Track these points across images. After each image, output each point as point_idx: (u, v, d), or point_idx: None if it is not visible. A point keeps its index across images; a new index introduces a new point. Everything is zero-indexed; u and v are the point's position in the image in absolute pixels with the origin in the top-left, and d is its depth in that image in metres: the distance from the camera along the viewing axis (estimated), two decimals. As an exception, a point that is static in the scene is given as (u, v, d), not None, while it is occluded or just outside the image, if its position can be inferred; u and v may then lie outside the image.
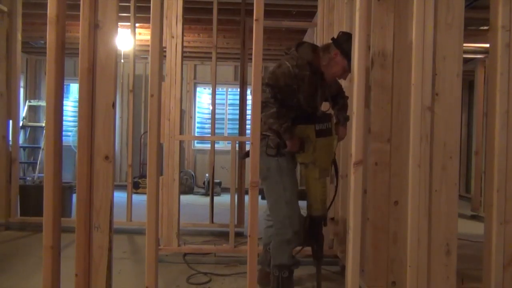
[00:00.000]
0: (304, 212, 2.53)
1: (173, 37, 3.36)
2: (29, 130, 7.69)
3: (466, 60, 6.01)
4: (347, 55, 2.22)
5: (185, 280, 2.84)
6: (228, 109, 8.34)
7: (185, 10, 3.50)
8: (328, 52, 2.40)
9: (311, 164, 2.41)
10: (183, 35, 3.39)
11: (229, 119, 8.34)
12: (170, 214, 3.31)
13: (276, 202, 2.44)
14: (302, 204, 2.50)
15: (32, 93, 7.90)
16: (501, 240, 2.10)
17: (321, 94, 2.48)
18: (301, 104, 2.40)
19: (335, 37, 2.44)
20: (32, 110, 7.74)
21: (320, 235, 2.48)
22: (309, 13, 4.85)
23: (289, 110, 2.36)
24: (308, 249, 2.78)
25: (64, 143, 1.88)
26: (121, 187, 4.56)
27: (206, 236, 4.07)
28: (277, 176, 2.41)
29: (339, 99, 2.64)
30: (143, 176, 7.11)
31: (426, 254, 1.95)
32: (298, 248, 2.60)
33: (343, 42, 2.32)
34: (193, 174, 7.78)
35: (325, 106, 2.64)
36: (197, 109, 8.34)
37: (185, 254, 3.29)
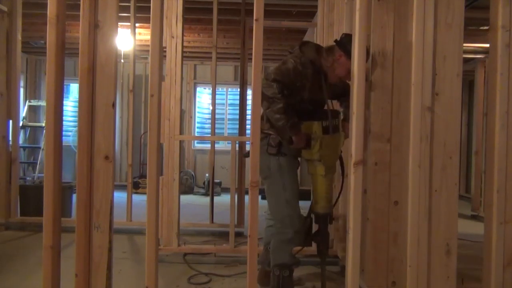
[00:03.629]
0: (304, 212, 2.52)
1: (173, 37, 3.36)
2: (29, 130, 7.69)
3: (466, 60, 6.01)
4: (351, 56, 2.23)
5: (186, 280, 2.84)
6: (228, 109, 8.34)
7: (185, 10, 3.50)
8: (332, 54, 2.42)
9: (317, 161, 2.40)
10: (183, 35, 3.39)
11: (229, 119, 8.34)
12: (170, 214, 3.31)
13: (276, 201, 2.44)
14: (304, 204, 2.50)
15: (32, 93, 7.90)
16: (501, 240, 2.10)
17: (327, 93, 2.48)
18: (305, 102, 2.41)
19: (338, 39, 2.45)
20: (32, 110, 7.74)
21: (325, 232, 2.47)
22: (309, 13, 4.85)
23: (293, 106, 2.36)
24: (308, 249, 2.78)
25: (64, 143, 1.88)
26: (121, 187, 4.56)
27: (206, 236, 4.07)
28: (277, 175, 2.41)
29: (347, 98, 2.62)
30: (143, 176, 7.11)
31: (426, 254, 1.95)
32: (298, 248, 2.59)
33: (347, 43, 2.31)
34: (193, 174, 7.78)
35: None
36: (197, 109, 8.33)
37: (185, 254, 3.29)
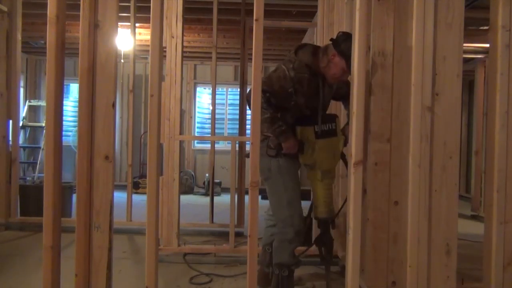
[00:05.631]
0: (304, 212, 2.52)
1: (173, 37, 3.36)
2: (29, 130, 7.69)
3: (466, 60, 6.01)
4: (345, 55, 2.21)
5: (187, 280, 2.84)
6: (228, 109, 8.34)
7: (185, 10, 3.50)
8: (327, 53, 2.38)
9: (312, 166, 2.41)
10: (183, 35, 3.39)
11: (229, 119, 8.34)
12: (170, 214, 3.31)
13: (277, 202, 2.44)
14: (304, 204, 2.50)
15: (32, 93, 7.90)
16: (501, 240, 2.10)
17: (324, 96, 2.46)
18: (300, 106, 2.39)
19: (335, 37, 2.44)
20: (32, 110, 7.74)
21: (327, 237, 2.46)
22: (309, 13, 4.85)
23: (286, 113, 2.37)
24: (308, 249, 2.77)
25: (64, 143, 1.88)
26: (121, 187, 4.56)
27: (206, 236, 4.07)
28: (278, 176, 2.41)
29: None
30: (143, 176, 7.11)
31: (426, 254, 1.95)
32: (303, 248, 2.59)
33: (341, 42, 2.30)
34: (193, 174, 7.78)
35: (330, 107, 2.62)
36: (197, 109, 8.33)
37: (185, 254, 3.29)
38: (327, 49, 2.40)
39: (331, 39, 2.41)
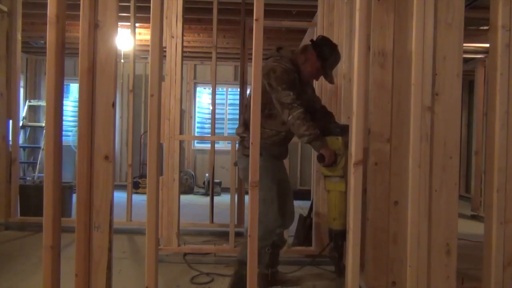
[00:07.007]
0: (303, 212, 2.52)
1: (173, 37, 3.36)
2: (29, 130, 7.69)
3: (466, 60, 6.01)
4: (321, 57, 2.41)
5: (187, 280, 2.83)
6: (228, 109, 8.34)
7: (185, 10, 3.50)
8: (306, 52, 2.51)
9: (339, 177, 2.40)
10: (183, 35, 3.39)
11: (229, 119, 8.34)
12: (170, 214, 3.31)
13: None
14: (305, 204, 2.50)
15: (32, 93, 7.90)
16: (501, 240, 2.10)
17: (309, 94, 2.59)
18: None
19: (314, 39, 2.57)
20: (32, 110, 7.74)
21: (342, 249, 2.46)
22: (309, 13, 4.85)
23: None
24: (308, 249, 2.77)
25: (64, 143, 1.88)
26: (121, 187, 4.56)
27: (206, 236, 4.07)
28: None
29: (326, 115, 2.70)
30: (143, 176, 7.11)
31: (426, 254, 1.95)
32: (302, 248, 2.58)
33: (321, 45, 2.46)
34: (193, 174, 7.78)
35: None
36: (197, 109, 8.34)
37: (185, 254, 3.29)
38: (306, 48, 2.54)
39: (311, 40, 2.55)
